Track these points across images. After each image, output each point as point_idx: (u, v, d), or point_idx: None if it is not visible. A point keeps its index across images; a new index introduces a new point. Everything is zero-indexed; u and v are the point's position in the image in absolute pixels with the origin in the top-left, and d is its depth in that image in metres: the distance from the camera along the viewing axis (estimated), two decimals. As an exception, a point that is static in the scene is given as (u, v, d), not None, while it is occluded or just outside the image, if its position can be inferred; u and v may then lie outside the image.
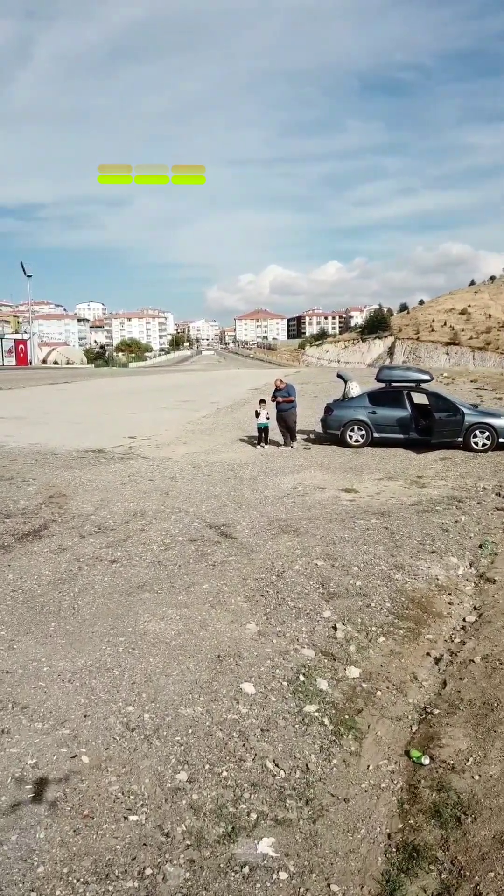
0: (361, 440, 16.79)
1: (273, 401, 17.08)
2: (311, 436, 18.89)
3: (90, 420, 22.74)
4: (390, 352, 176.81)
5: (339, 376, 18.17)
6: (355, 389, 17.48)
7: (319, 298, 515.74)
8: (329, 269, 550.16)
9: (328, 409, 17.43)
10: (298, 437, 17.70)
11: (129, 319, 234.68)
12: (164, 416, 23.65)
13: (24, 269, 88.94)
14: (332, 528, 9.64)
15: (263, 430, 16.80)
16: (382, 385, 17.63)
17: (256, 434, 17.20)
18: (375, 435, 16.73)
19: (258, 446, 16.69)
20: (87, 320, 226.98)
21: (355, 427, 16.82)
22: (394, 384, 17.36)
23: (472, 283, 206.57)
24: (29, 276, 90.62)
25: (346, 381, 17.62)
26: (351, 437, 16.85)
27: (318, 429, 19.75)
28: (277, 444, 17.22)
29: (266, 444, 16.76)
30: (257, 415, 16.81)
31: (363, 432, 16.77)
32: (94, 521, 9.91)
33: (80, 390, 39.11)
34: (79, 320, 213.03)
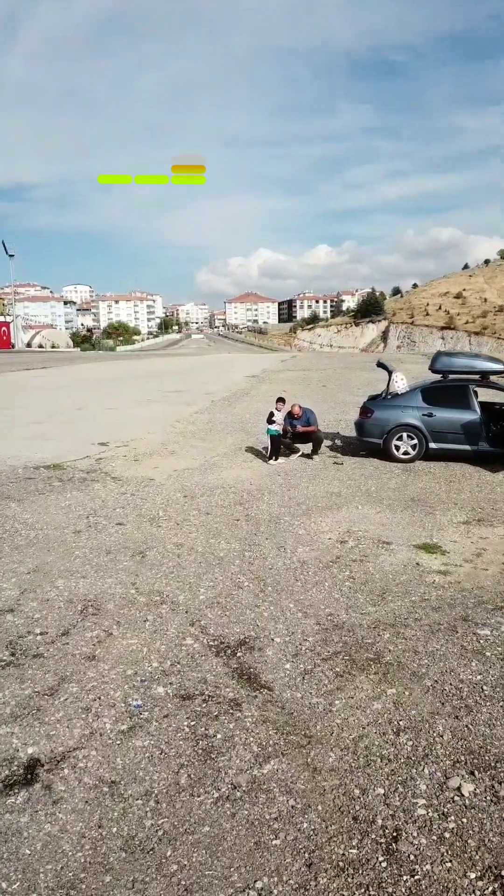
0: (412, 452, 12.32)
1: (286, 435, 12.57)
2: (337, 441, 14.40)
3: (56, 417, 18.15)
4: (384, 336, 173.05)
5: (381, 365, 13.59)
6: (401, 383, 12.96)
7: (310, 282, 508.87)
8: (319, 253, 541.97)
9: (366, 409, 12.92)
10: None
11: (117, 302, 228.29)
12: (148, 412, 19.09)
13: (5, 249, 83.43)
14: (440, 652, 5.22)
15: (276, 440, 12.27)
16: (438, 378, 13.12)
17: (267, 441, 12.67)
18: (432, 446, 12.27)
19: (270, 460, 12.19)
20: (74, 303, 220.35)
21: (404, 435, 12.34)
22: (455, 376, 12.84)
23: (466, 266, 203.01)
24: (11, 256, 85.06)
25: (389, 373, 13.07)
26: (399, 448, 12.38)
27: (342, 430, 15.30)
28: (293, 451, 12.74)
29: (279, 457, 12.25)
30: (271, 420, 12.26)
31: (415, 442, 12.30)
32: (1, 638, 5.41)
33: (56, 377, 34.39)
34: (65, 303, 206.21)
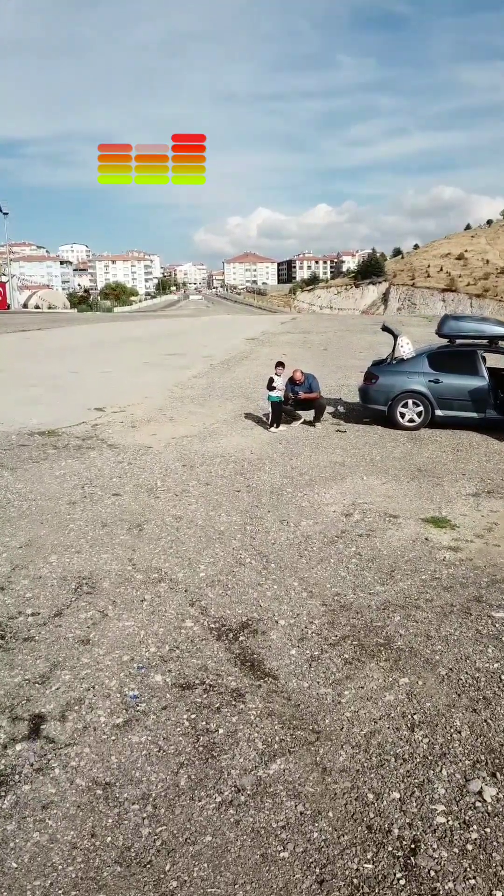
0: (418, 419, 11.95)
1: (288, 402, 12.15)
2: (339, 408, 14.01)
3: (51, 380, 17.71)
4: (384, 298, 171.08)
5: (386, 329, 13.10)
6: (407, 348, 12.50)
7: (309, 242, 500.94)
8: (318, 213, 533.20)
9: (370, 375, 12.50)
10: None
11: (114, 262, 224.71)
12: (145, 377, 18.64)
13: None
14: (453, 637, 4.94)
15: (277, 406, 11.87)
16: (445, 342, 12.67)
17: (267, 408, 12.28)
18: (438, 413, 11.88)
19: (271, 428, 11.82)
20: (71, 263, 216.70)
21: (410, 402, 11.95)
22: (463, 341, 12.39)
23: (468, 227, 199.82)
24: (5, 214, 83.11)
25: (394, 337, 12.60)
26: (403, 415, 12.00)
27: (344, 396, 14.90)
28: (295, 419, 12.36)
29: (280, 424, 11.87)
30: (271, 386, 11.83)
31: (420, 409, 11.92)
32: (-9, 619, 5.13)
33: (51, 339, 33.77)
34: (61, 263, 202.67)
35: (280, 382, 11.80)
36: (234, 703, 4.13)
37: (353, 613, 5.31)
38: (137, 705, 4.10)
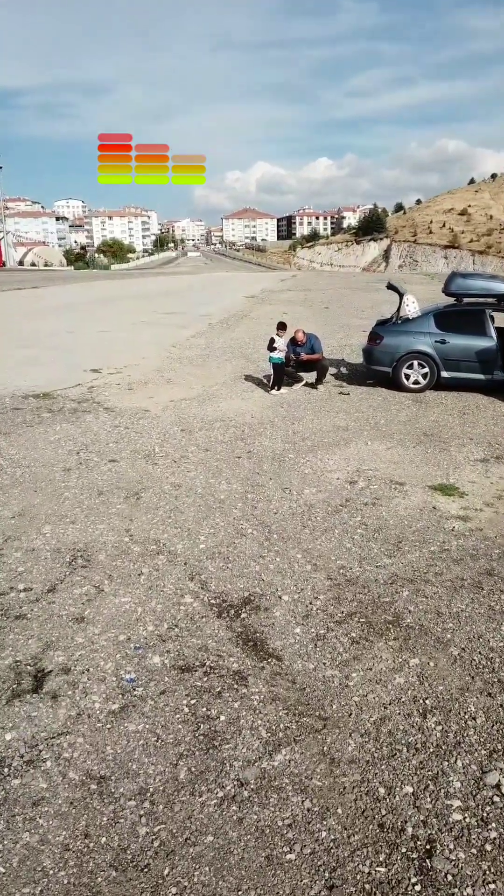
0: (423, 381, 11.62)
1: (290, 364, 11.78)
2: (342, 369, 13.66)
3: (47, 340, 17.33)
4: (386, 255, 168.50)
5: (391, 287, 12.65)
6: (412, 307, 12.09)
7: (310, 198, 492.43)
8: (319, 167, 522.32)
9: (375, 335, 12.12)
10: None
11: (111, 218, 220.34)
12: (142, 336, 18.24)
13: (-10, 158, 79.45)
14: (465, 614, 4.72)
15: (279, 368, 11.53)
16: (452, 301, 12.26)
17: (268, 369, 11.95)
18: (444, 374, 11.55)
19: (272, 391, 11.50)
20: (67, 219, 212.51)
21: (415, 363, 11.61)
22: (470, 300, 11.97)
23: (472, 181, 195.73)
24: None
25: (400, 295, 12.17)
26: (409, 376, 11.67)
27: (347, 356, 14.56)
28: (297, 381, 12.03)
29: (282, 387, 11.54)
30: (272, 346, 11.45)
31: (426, 370, 11.58)
32: (-20, 596, 4.90)
33: (47, 298, 33.18)
34: (57, 219, 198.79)
35: (281, 343, 11.43)
36: (236, 686, 3.92)
37: (360, 588, 5.09)
38: (134, 689, 3.89)
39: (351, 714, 3.71)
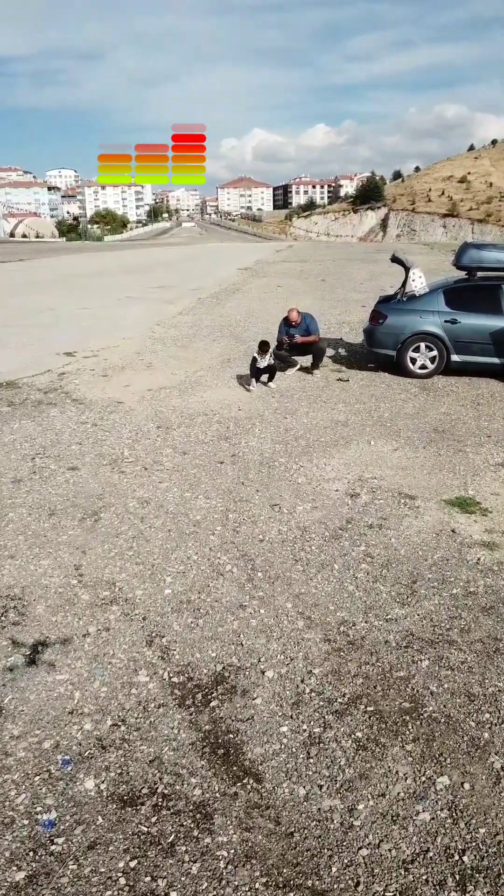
0: (431, 366, 10.40)
1: (282, 347, 10.41)
2: (340, 350, 12.41)
3: (23, 319, 16.02)
4: (383, 224, 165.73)
5: (396, 260, 11.29)
6: (420, 282, 10.80)
7: (307, 166, 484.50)
8: (317, 134, 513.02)
9: (377, 314, 10.85)
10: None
11: (104, 188, 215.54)
12: (125, 313, 16.93)
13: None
14: (507, 699, 3.58)
15: (270, 367, 9.92)
16: (464, 276, 10.97)
17: (255, 350, 10.25)
18: (455, 358, 10.32)
19: (252, 383, 9.90)
20: (59, 189, 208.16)
21: (422, 345, 10.37)
22: (484, 274, 10.67)
23: (472, 148, 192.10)
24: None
25: (406, 269, 10.86)
26: (415, 360, 10.44)
27: (345, 335, 13.30)
28: (290, 365, 10.74)
29: (273, 381, 10.02)
30: (254, 367, 9.78)
31: (434, 354, 10.35)
32: None
33: (33, 271, 31.74)
34: (49, 189, 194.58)
35: (263, 363, 9.84)
36: (196, 834, 2.79)
37: (366, 654, 3.95)
38: (51, 841, 2.75)
39: (359, 884, 2.58)
